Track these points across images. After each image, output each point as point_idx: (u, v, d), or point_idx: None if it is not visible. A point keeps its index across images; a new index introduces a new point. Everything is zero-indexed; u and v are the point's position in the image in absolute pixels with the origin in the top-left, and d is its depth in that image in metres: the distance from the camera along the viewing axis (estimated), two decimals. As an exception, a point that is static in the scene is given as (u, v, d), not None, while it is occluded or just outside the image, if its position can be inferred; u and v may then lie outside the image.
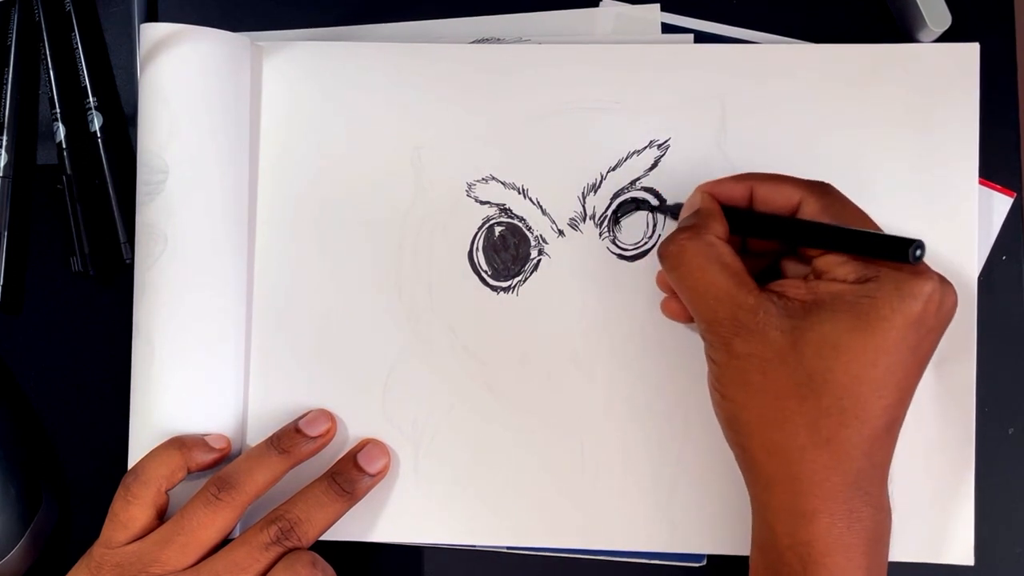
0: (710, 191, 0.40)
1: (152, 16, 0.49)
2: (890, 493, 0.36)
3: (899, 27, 0.46)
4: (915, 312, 0.34)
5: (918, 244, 0.33)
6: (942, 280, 0.35)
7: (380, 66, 0.46)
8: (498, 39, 0.47)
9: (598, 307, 0.45)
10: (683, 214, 0.40)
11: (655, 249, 0.39)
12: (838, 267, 0.35)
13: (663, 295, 0.42)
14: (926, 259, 0.34)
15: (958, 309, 0.43)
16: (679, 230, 0.38)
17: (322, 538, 0.41)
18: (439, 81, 0.45)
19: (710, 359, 0.37)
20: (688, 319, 0.40)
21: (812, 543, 0.34)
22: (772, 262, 0.40)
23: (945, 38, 0.45)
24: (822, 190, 0.38)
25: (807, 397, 0.34)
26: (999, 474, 0.44)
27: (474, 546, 0.45)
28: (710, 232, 0.37)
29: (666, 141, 0.45)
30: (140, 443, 0.43)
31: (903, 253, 0.33)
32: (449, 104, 0.45)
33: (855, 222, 0.37)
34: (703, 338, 0.38)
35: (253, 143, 0.45)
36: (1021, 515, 0.45)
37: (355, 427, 0.45)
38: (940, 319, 0.35)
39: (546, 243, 0.45)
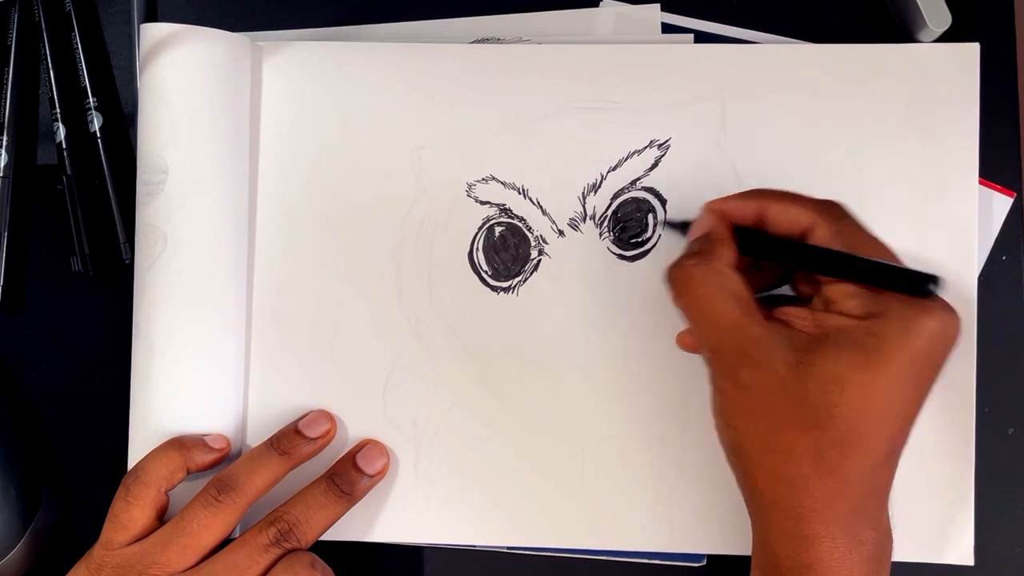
0: (719, 209, 0.39)
1: (152, 16, 0.49)
2: (890, 493, 0.36)
3: (899, 27, 0.46)
4: (920, 349, 0.33)
5: (933, 278, 0.33)
6: (947, 312, 0.34)
7: (380, 66, 0.46)
8: (498, 39, 0.47)
9: (598, 307, 0.45)
10: (692, 234, 0.39)
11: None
12: (846, 299, 0.35)
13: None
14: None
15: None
16: (687, 255, 0.37)
17: (322, 538, 0.41)
18: (439, 81, 0.45)
19: (714, 386, 0.37)
20: None
21: (814, 566, 0.34)
22: (783, 275, 0.40)
23: (945, 38, 0.45)
24: (834, 214, 0.37)
25: (810, 428, 0.34)
26: (999, 474, 0.45)
27: (474, 546, 0.45)
28: (718, 259, 0.37)
29: (666, 141, 0.45)
30: (140, 443, 0.43)
31: (917, 287, 0.33)
32: (449, 104, 0.45)
33: (868, 249, 0.36)
34: (708, 365, 0.37)
35: (253, 143, 0.45)
36: (1021, 515, 0.45)
37: (355, 427, 0.45)
38: (944, 352, 0.35)
39: (546, 243, 0.45)
